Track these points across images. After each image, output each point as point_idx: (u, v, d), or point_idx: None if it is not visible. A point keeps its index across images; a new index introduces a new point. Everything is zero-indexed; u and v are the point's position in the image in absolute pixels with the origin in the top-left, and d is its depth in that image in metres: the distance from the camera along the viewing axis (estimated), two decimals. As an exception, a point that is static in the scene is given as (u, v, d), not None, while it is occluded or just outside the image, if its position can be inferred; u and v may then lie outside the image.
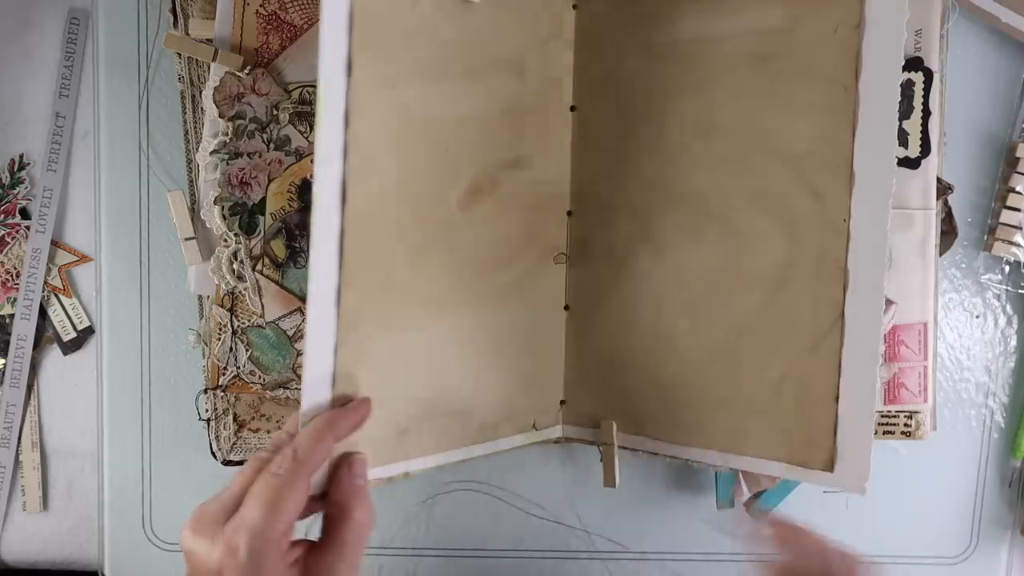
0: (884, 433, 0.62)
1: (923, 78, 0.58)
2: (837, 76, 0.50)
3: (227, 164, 0.58)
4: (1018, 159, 0.64)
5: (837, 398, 0.52)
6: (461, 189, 0.53)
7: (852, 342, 0.52)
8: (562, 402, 0.60)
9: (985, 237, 0.66)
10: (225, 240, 0.59)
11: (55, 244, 0.67)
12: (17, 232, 0.67)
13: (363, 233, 0.47)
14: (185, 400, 0.65)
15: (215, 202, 0.58)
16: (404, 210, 0.50)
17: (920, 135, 0.59)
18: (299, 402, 0.61)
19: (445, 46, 0.50)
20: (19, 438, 0.68)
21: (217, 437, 0.63)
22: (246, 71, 0.56)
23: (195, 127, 0.61)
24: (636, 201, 0.57)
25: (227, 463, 0.64)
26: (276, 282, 0.60)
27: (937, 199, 0.60)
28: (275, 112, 0.57)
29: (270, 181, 0.58)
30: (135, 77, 0.64)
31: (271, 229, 0.59)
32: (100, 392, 0.66)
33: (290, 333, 0.60)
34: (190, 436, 0.66)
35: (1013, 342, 0.68)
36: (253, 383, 0.61)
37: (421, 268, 0.51)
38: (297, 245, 0.59)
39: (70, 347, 0.68)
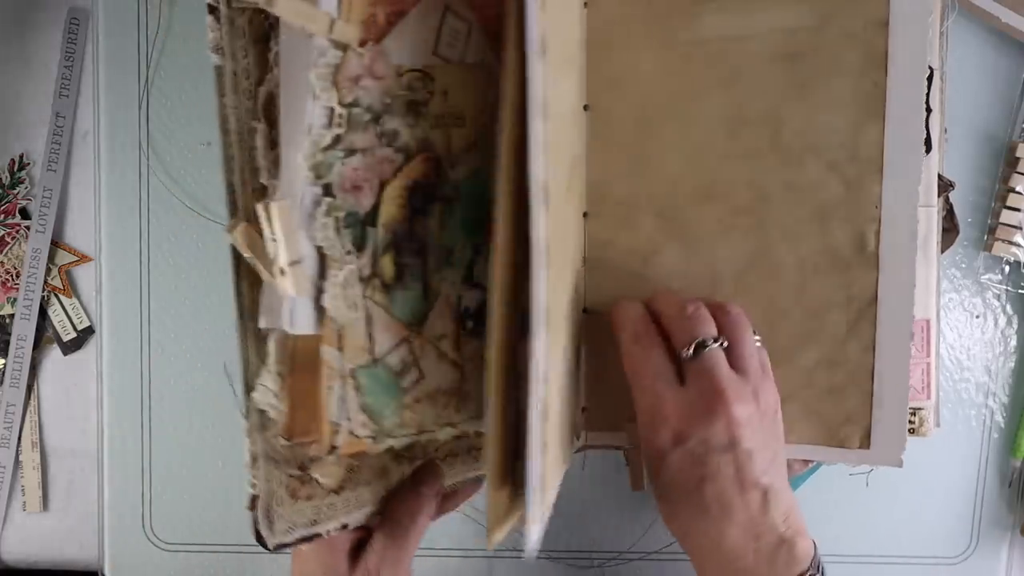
0: (891, 431, 0.63)
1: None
2: (866, 72, 0.52)
3: (342, 163, 0.44)
4: (1018, 159, 0.65)
5: (872, 377, 0.54)
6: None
7: (886, 323, 0.54)
8: (583, 409, 0.60)
9: (985, 237, 0.66)
10: (336, 261, 0.45)
11: (55, 244, 0.67)
12: (17, 232, 0.67)
13: (555, 241, 0.45)
14: (185, 400, 0.65)
15: (329, 212, 0.44)
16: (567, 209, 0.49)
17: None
18: (388, 457, 0.52)
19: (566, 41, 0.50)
20: (19, 438, 0.68)
21: (269, 518, 0.47)
22: (363, 48, 0.44)
23: (236, 111, 0.45)
24: (660, 198, 0.57)
25: (280, 547, 0.47)
26: (386, 308, 0.47)
27: (938, 196, 0.60)
28: (388, 101, 0.45)
29: (382, 184, 0.46)
30: (135, 77, 0.65)
31: (382, 243, 0.46)
32: (100, 392, 0.66)
33: (396, 369, 0.48)
34: (190, 436, 0.66)
35: (1013, 342, 0.68)
36: (365, 437, 0.48)
37: (562, 274, 0.50)
38: (407, 262, 0.48)
39: (70, 347, 0.68)
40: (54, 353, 0.68)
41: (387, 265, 0.47)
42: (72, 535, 0.69)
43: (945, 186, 0.61)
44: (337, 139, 0.44)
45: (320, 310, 0.45)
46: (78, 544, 0.69)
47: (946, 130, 0.62)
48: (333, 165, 0.44)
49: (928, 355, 0.61)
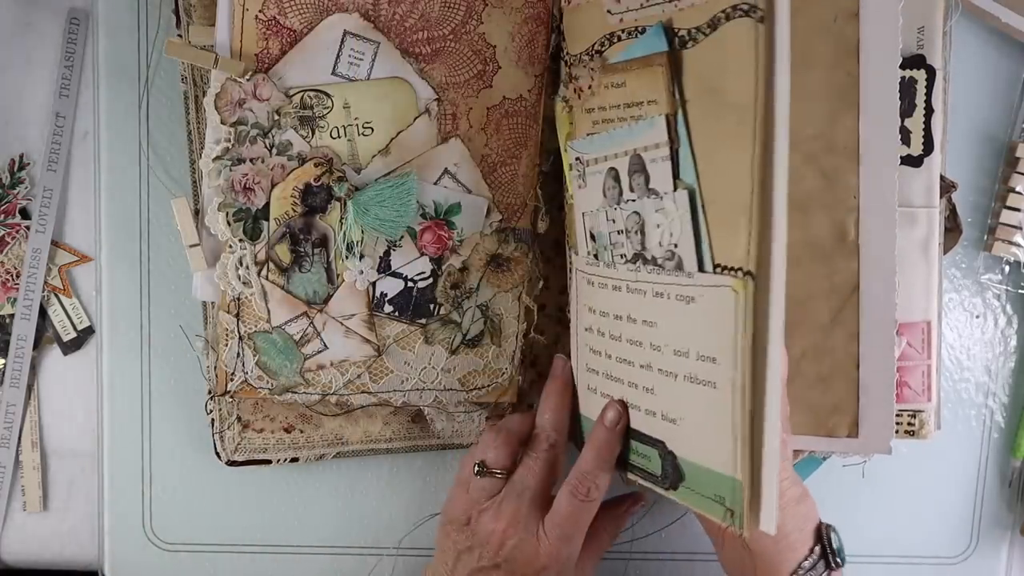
0: (888, 428, 0.63)
1: (925, 76, 0.58)
2: (839, 62, 0.53)
3: (230, 170, 0.57)
4: (1018, 159, 0.65)
5: (857, 365, 0.55)
6: None
7: (869, 311, 0.54)
8: None
9: (985, 237, 0.66)
10: (230, 246, 0.58)
11: (55, 244, 0.67)
12: (17, 232, 0.67)
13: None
14: (185, 400, 0.65)
15: (219, 208, 0.58)
16: None
17: (923, 133, 0.59)
18: (307, 407, 0.61)
19: None
20: (19, 438, 0.68)
21: (221, 438, 0.63)
22: (247, 77, 0.56)
23: (198, 129, 0.61)
24: None
25: (231, 463, 0.63)
26: (282, 287, 0.59)
27: (941, 197, 0.60)
28: (277, 117, 0.57)
29: (273, 186, 0.58)
30: (135, 77, 0.64)
31: (275, 234, 0.58)
32: (100, 392, 0.66)
33: (296, 337, 0.60)
34: (190, 436, 0.66)
35: (1013, 342, 0.68)
36: (261, 388, 0.61)
37: None
38: (302, 250, 0.59)
39: (70, 347, 0.68)
40: (54, 353, 0.68)
41: (283, 252, 0.59)
42: (72, 535, 0.69)
43: (948, 187, 0.61)
44: (225, 151, 0.57)
45: (216, 283, 0.59)
46: (78, 544, 0.69)
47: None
48: (222, 172, 0.57)
49: (929, 357, 0.61)
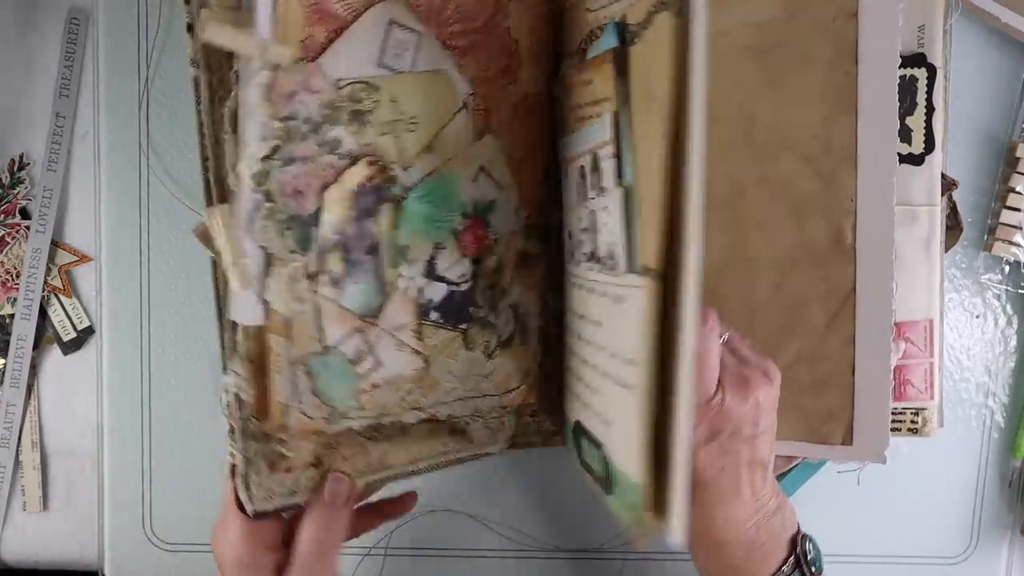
0: (890, 430, 0.62)
1: (926, 74, 0.58)
2: (837, 63, 0.53)
3: (280, 171, 0.49)
4: (1018, 159, 0.65)
5: (853, 371, 0.54)
6: None
7: (865, 316, 0.54)
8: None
9: (985, 237, 0.66)
10: (280, 259, 0.49)
11: (55, 244, 0.67)
12: (17, 232, 0.67)
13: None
14: (185, 400, 0.65)
15: (269, 216, 0.49)
16: None
17: (924, 131, 0.59)
18: (363, 435, 0.55)
19: None
20: (19, 438, 0.68)
21: (247, 485, 0.50)
22: (298, 66, 0.49)
23: (211, 119, 0.51)
24: None
25: (258, 515, 0.50)
26: (336, 302, 0.51)
27: (942, 195, 0.60)
28: (328, 112, 0.50)
29: (324, 188, 0.50)
30: (135, 77, 0.64)
31: (329, 242, 0.51)
32: (100, 392, 0.66)
33: (350, 357, 0.52)
34: (190, 436, 0.66)
35: (1013, 342, 0.68)
36: (318, 419, 0.52)
37: None
38: (358, 259, 0.52)
39: (70, 347, 0.68)
40: (54, 353, 0.68)
41: (335, 262, 0.51)
42: (72, 535, 0.69)
43: (948, 185, 0.61)
44: (275, 149, 0.48)
45: (265, 303, 0.49)
46: (78, 544, 0.69)
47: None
48: (271, 173, 0.48)
49: (931, 355, 0.61)
